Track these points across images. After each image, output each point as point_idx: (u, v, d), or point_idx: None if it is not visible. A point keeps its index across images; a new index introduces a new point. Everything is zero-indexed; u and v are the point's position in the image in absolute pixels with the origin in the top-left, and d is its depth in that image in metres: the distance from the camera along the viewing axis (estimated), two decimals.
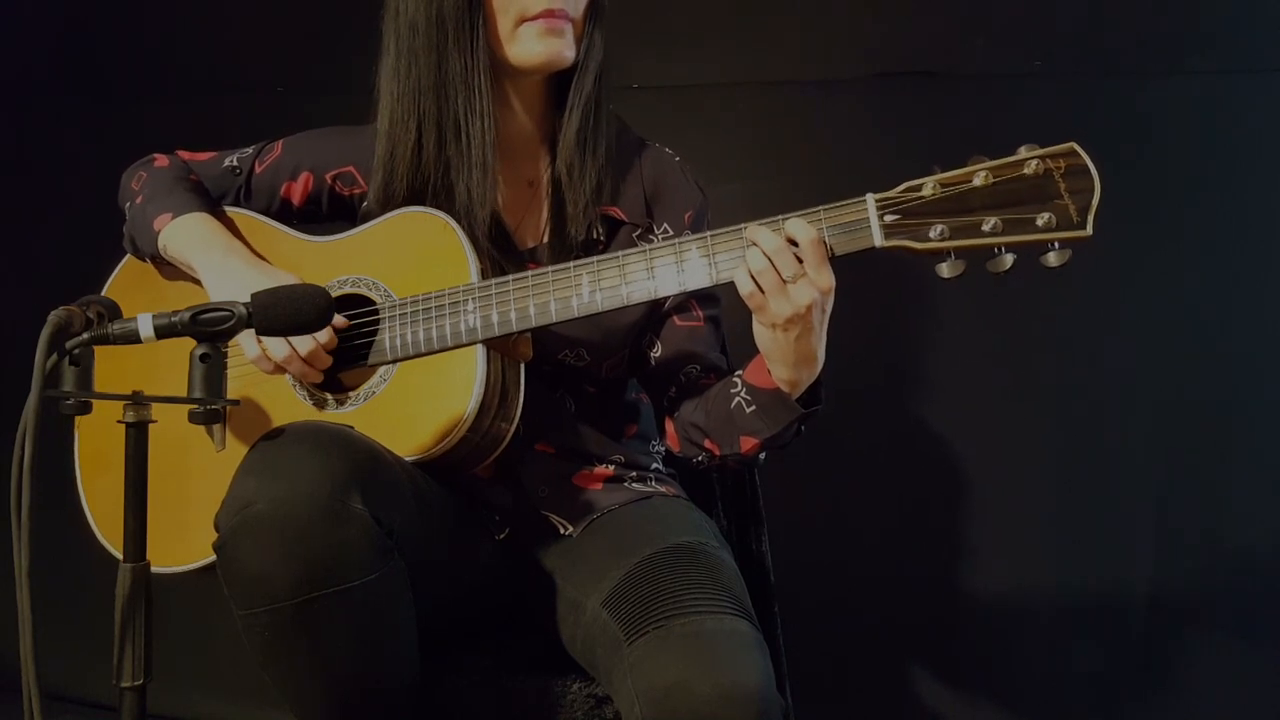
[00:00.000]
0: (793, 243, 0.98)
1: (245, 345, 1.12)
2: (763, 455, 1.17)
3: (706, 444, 1.19)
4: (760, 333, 1.04)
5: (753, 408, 1.11)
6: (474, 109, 1.13)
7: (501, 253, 1.18)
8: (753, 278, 0.99)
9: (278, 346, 1.10)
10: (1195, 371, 1.77)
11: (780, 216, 0.99)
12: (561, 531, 1.20)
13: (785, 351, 1.03)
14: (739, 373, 1.15)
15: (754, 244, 0.99)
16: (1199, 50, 1.77)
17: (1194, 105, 1.77)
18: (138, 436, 0.89)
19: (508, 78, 1.17)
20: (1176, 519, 1.77)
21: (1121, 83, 1.76)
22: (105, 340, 0.87)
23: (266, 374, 1.15)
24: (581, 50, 1.16)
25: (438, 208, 1.16)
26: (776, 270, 0.98)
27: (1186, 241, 1.77)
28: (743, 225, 1.01)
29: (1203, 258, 1.77)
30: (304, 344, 1.10)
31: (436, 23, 1.12)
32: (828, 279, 0.98)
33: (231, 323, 0.89)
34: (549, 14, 1.11)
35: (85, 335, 0.86)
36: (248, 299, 0.91)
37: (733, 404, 1.13)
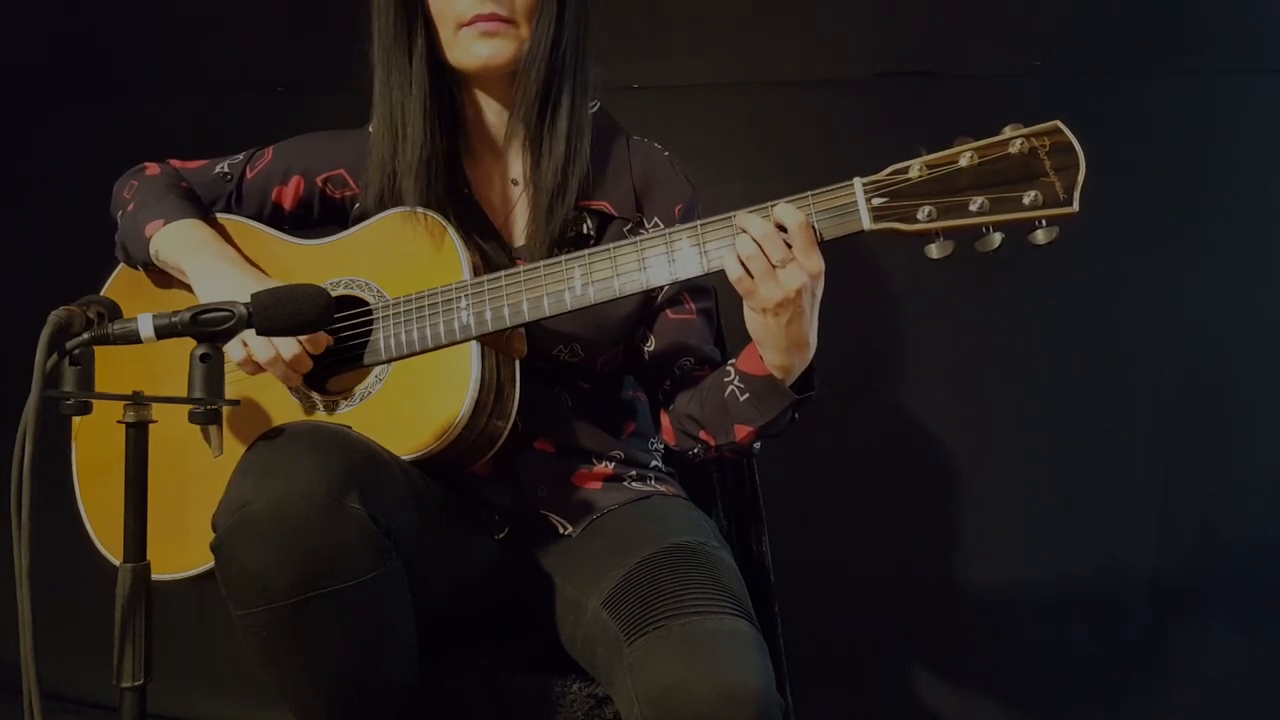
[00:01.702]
0: (781, 228, 0.99)
1: (229, 347, 1.11)
2: (758, 444, 1.17)
3: (702, 435, 1.19)
4: (751, 319, 1.04)
5: (746, 395, 1.12)
6: (408, 116, 1.16)
7: (491, 250, 1.19)
8: (742, 263, 0.99)
9: (262, 348, 1.10)
10: (1194, 367, 1.77)
11: (769, 203, 1.00)
12: (561, 531, 1.20)
13: (777, 337, 1.03)
14: (732, 361, 1.15)
15: (743, 230, 1.00)
16: (1199, 50, 1.77)
17: (1194, 105, 1.77)
18: (138, 437, 0.89)
19: (474, 79, 1.19)
20: (1176, 513, 1.77)
21: (1121, 83, 1.76)
22: (105, 340, 0.87)
23: (264, 376, 1.15)
24: (524, 49, 1.15)
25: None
26: (765, 255, 0.98)
27: (1186, 241, 1.77)
28: (732, 213, 1.01)
29: (1202, 257, 1.77)
30: (287, 347, 1.09)
31: (382, 32, 1.16)
32: (816, 263, 0.99)
33: (232, 323, 0.90)
34: (479, 18, 1.12)
35: (85, 335, 0.86)
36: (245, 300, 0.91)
37: (726, 393, 1.14)
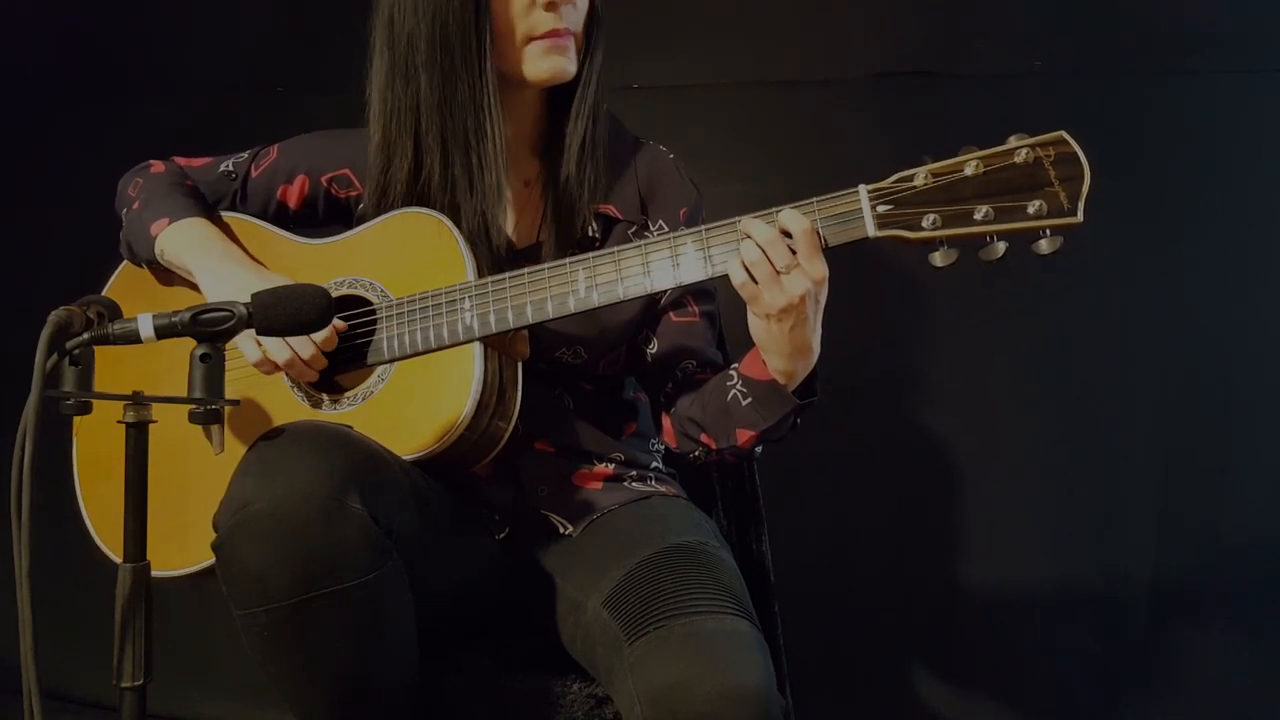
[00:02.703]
0: (786, 234, 0.99)
1: (245, 347, 1.13)
2: (759, 448, 1.18)
3: (703, 438, 1.19)
4: (755, 324, 1.04)
5: (749, 400, 1.12)
6: (484, 131, 1.13)
7: (497, 251, 1.18)
8: (746, 269, 0.99)
9: (278, 348, 1.10)
10: (1194, 367, 1.77)
11: (774, 209, 1.00)
12: (561, 531, 1.20)
13: (780, 342, 1.03)
14: (735, 366, 1.15)
15: (748, 235, 1.00)
16: (1199, 50, 1.77)
17: (1194, 105, 1.77)
18: (138, 437, 0.89)
19: (509, 88, 1.18)
20: (1176, 513, 1.77)
21: (1121, 83, 1.76)
22: (105, 340, 0.87)
23: (265, 375, 1.15)
24: (583, 61, 1.17)
25: None
26: (770, 261, 0.99)
27: (1186, 241, 1.77)
28: (737, 218, 1.02)
29: (1203, 257, 1.77)
30: (304, 346, 1.10)
31: (441, 42, 1.11)
32: (821, 269, 0.99)
33: (232, 323, 0.90)
34: (554, 33, 1.12)
35: (85, 335, 0.86)
36: (247, 300, 0.91)
37: (729, 397, 1.14)
